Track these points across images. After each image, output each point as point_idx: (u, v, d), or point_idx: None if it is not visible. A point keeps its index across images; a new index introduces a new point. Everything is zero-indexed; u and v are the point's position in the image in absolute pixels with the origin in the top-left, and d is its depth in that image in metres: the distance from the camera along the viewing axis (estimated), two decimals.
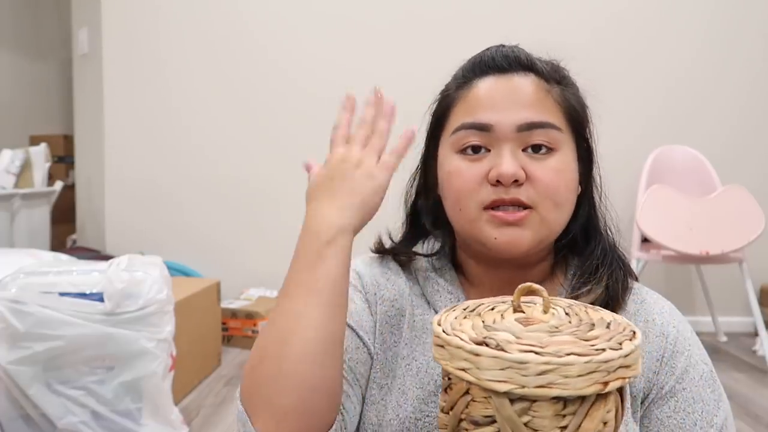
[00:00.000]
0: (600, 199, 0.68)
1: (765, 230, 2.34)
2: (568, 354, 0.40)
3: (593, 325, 0.46)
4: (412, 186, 0.73)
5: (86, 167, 3.44)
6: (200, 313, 2.30)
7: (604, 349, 0.41)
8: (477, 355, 0.41)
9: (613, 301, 0.62)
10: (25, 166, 2.90)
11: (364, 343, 0.65)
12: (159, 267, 1.69)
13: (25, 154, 2.91)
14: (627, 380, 0.42)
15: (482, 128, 0.61)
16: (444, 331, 0.45)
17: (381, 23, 3.00)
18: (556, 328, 0.45)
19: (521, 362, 0.40)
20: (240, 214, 3.08)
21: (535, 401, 0.41)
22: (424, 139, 0.70)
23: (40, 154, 2.96)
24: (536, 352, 0.40)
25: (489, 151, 0.61)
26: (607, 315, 0.48)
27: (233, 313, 2.72)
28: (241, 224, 3.08)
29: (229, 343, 2.71)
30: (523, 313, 0.49)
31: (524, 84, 0.62)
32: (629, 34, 2.96)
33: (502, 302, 0.52)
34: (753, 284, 2.58)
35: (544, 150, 0.61)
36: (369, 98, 0.68)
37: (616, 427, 0.44)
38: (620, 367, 0.41)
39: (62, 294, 1.55)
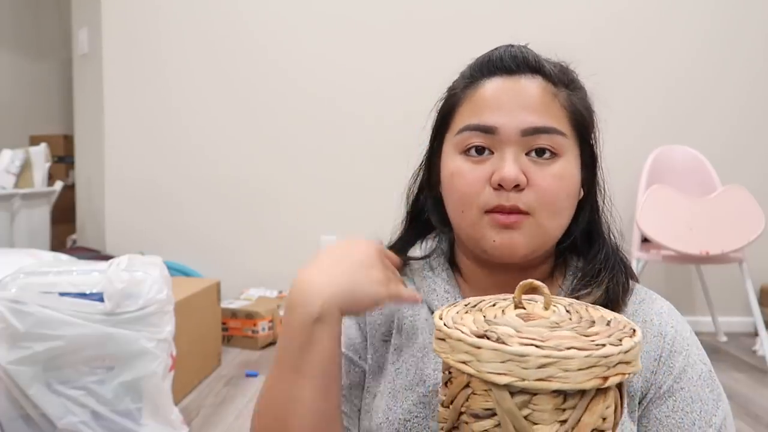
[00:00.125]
0: (603, 202, 0.68)
1: (765, 230, 2.34)
2: (569, 348, 0.40)
3: (593, 322, 0.46)
4: (414, 182, 0.73)
5: (86, 167, 3.44)
6: (200, 313, 2.30)
7: (604, 345, 0.41)
8: (478, 347, 0.41)
9: (612, 303, 0.63)
10: (25, 166, 2.90)
11: (356, 364, 0.67)
12: (159, 267, 1.69)
13: (25, 154, 2.91)
14: (627, 376, 0.42)
15: (487, 130, 0.61)
16: (445, 325, 0.45)
17: (381, 23, 3.00)
18: (557, 323, 0.45)
19: (522, 355, 0.40)
20: (240, 214, 3.08)
21: (535, 394, 0.41)
22: (429, 136, 0.70)
23: (40, 154, 2.96)
24: (537, 346, 0.40)
25: (492, 153, 0.61)
26: (607, 313, 0.49)
27: (233, 313, 2.72)
28: (241, 224, 3.08)
29: (229, 343, 2.71)
30: (524, 309, 0.49)
31: (531, 87, 0.62)
32: (629, 34, 2.96)
33: (503, 299, 0.52)
34: (753, 284, 2.58)
35: (548, 154, 0.61)
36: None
37: (615, 424, 0.44)
38: (620, 362, 0.41)
39: (62, 294, 1.55)
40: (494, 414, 0.42)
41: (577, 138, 0.64)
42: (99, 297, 1.56)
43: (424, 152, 0.71)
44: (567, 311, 0.49)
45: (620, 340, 0.42)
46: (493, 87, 0.63)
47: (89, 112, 3.32)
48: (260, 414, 0.59)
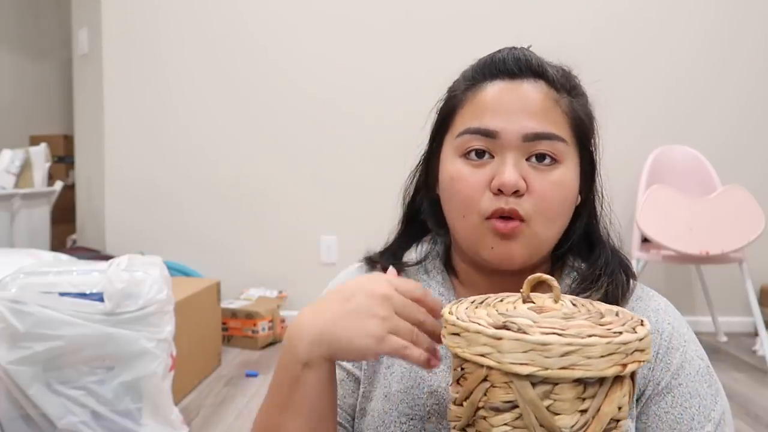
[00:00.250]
0: (602, 207, 0.68)
1: (765, 230, 2.34)
2: (590, 335, 0.40)
3: (602, 314, 0.46)
4: (411, 183, 0.72)
5: (86, 167, 3.44)
6: (200, 313, 2.30)
7: (620, 332, 0.41)
8: (498, 338, 0.41)
9: (611, 303, 0.63)
10: (25, 166, 2.90)
11: (350, 372, 0.67)
12: (159, 267, 1.69)
13: (25, 154, 2.91)
14: (641, 364, 0.42)
15: (488, 134, 0.61)
16: (459, 319, 0.45)
17: (381, 23, 3.00)
18: (570, 315, 0.45)
19: (544, 344, 0.40)
20: (240, 214, 3.08)
21: (556, 384, 0.41)
22: (428, 136, 0.69)
23: (40, 154, 2.96)
24: (558, 334, 0.40)
25: (492, 157, 0.61)
26: (612, 307, 0.49)
27: (233, 313, 2.72)
28: (241, 224, 3.08)
29: (229, 343, 2.71)
30: (534, 303, 0.49)
31: (533, 92, 0.62)
32: (629, 34, 2.96)
33: (509, 296, 0.52)
34: (753, 284, 2.58)
35: (548, 160, 0.60)
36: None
37: (626, 414, 0.44)
38: (636, 350, 0.42)
39: (62, 294, 1.55)
40: (515, 406, 0.42)
41: (577, 145, 0.64)
42: (99, 297, 1.56)
43: (422, 153, 0.71)
44: (574, 305, 0.49)
45: (634, 329, 0.43)
46: (495, 90, 0.62)
47: (89, 112, 3.32)
48: None
